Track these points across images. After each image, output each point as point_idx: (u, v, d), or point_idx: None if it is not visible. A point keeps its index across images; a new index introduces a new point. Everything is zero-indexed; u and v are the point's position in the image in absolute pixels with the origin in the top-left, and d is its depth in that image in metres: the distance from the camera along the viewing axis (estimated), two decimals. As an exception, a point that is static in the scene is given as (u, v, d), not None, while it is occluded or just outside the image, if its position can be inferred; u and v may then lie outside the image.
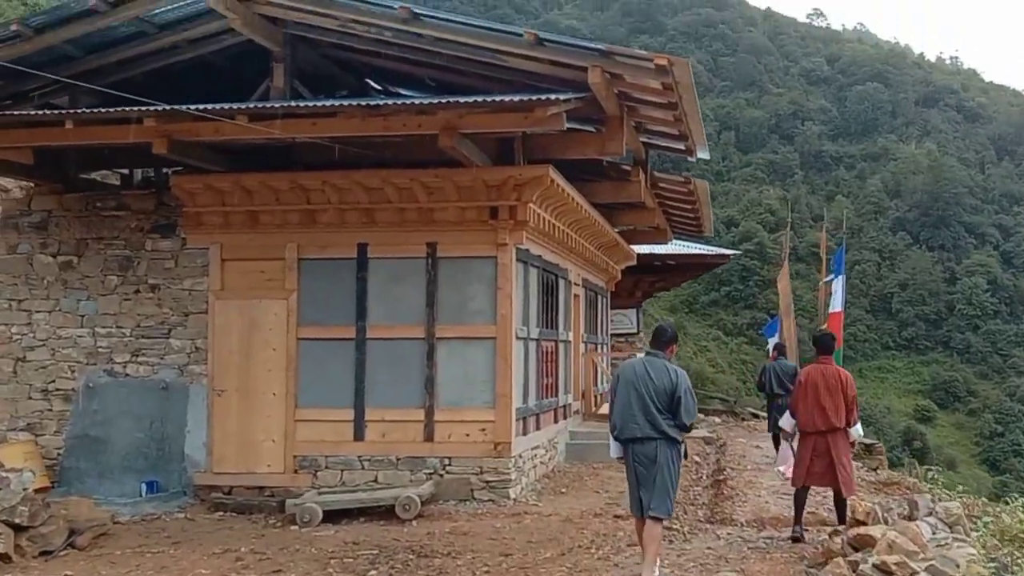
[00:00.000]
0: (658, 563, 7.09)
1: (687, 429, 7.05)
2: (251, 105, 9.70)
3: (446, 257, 10.90)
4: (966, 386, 74.16)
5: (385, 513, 10.03)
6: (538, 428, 12.31)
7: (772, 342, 24.63)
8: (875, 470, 15.40)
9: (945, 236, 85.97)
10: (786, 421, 8.90)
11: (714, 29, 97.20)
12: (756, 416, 29.79)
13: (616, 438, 7.17)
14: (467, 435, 10.76)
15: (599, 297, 17.99)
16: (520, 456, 11.22)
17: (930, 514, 7.87)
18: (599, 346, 17.82)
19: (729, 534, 9.23)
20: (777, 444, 13.57)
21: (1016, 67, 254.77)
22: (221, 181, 10.84)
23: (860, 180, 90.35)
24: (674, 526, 9.39)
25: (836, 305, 21.76)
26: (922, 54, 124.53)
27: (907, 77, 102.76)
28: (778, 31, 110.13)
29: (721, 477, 12.40)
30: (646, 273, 20.96)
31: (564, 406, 14.08)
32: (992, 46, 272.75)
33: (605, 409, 16.53)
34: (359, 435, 10.86)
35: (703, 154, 13.16)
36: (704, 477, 13.16)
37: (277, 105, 9.80)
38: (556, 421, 13.52)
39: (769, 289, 79.00)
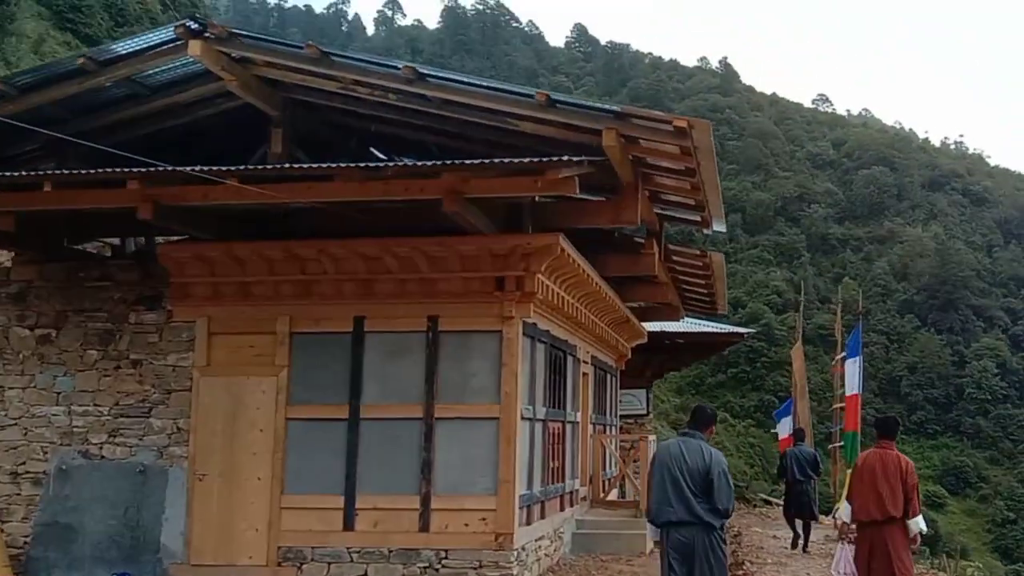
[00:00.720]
0: None
1: (726, 515, 6.74)
2: (242, 167, 9.12)
3: (448, 331, 10.20)
4: (977, 471, 72.90)
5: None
6: (543, 517, 11.44)
7: (782, 424, 23.81)
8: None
9: (953, 319, 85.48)
10: (844, 511, 8.40)
11: (721, 114, 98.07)
12: (768, 503, 28.79)
13: (652, 522, 6.95)
14: (466, 525, 9.90)
15: (608, 376, 17.22)
16: (523, 548, 10.34)
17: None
18: (608, 427, 16.98)
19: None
20: (792, 524, 13.64)
21: (1021, 151, 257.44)
22: (211, 250, 10.20)
23: (867, 263, 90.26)
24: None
25: (853, 387, 20.94)
26: (927, 138, 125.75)
27: (912, 161, 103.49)
28: (784, 116, 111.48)
29: (741, 572, 11.46)
30: (657, 352, 20.20)
31: (571, 492, 13.21)
32: (996, 130, 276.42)
33: (614, 495, 15.63)
34: (349, 524, 10.00)
35: (719, 227, 12.58)
36: (723, 573, 12.22)
37: (270, 167, 9.23)
38: (562, 509, 12.63)
39: (777, 371, 78.21)
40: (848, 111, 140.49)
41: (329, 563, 9.95)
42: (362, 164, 8.98)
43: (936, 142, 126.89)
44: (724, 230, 13.26)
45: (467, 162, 8.69)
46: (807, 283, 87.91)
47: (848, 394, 20.65)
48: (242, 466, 10.16)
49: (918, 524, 8.00)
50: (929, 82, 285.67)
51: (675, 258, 14.08)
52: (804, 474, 13.28)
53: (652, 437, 14.67)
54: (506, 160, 8.66)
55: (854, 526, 8.42)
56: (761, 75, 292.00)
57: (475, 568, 9.84)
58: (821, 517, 16.05)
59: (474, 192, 8.73)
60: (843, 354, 21.00)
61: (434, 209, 8.74)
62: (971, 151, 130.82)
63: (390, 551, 9.91)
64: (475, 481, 9.99)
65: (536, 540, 11.02)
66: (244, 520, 10.05)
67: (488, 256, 9.90)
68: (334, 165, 8.80)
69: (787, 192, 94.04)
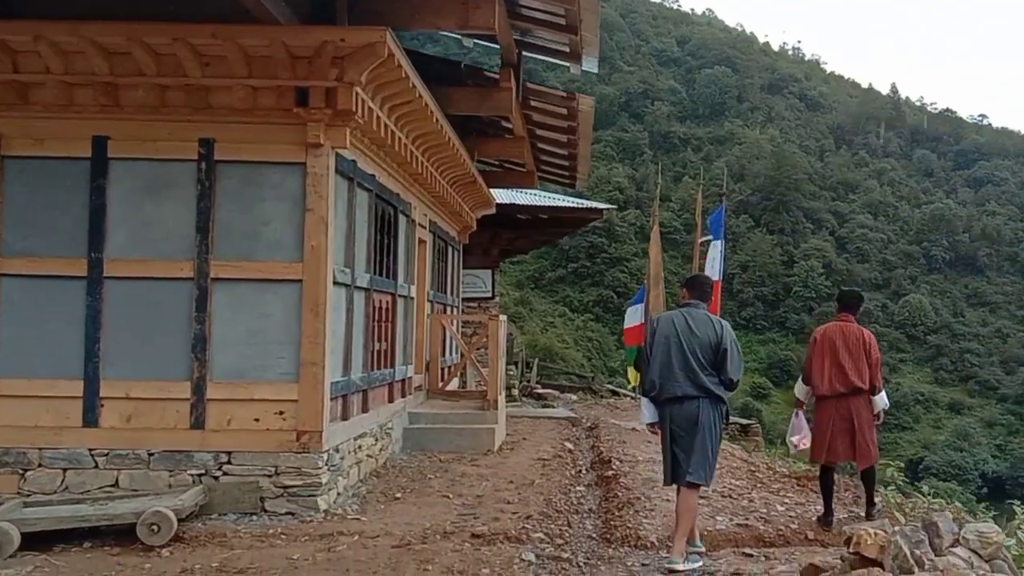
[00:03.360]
0: (698, 537, 6.53)
1: (733, 387, 6.39)
2: None
3: (229, 161, 7.45)
4: (799, 365, 75.56)
5: (123, 535, 6.59)
6: (365, 410, 9.07)
7: (631, 311, 22.21)
8: (751, 452, 13.90)
9: (785, 220, 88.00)
10: (799, 389, 7.84)
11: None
12: (615, 393, 27.57)
13: (654, 399, 6.45)
14: (256, 420, 7.41)
15: (451, 249, 14.81)
16: (337, 450, 7.97)
17: (956, 543, 5.15)
18: (449, 308, 14.63)
19: (645, 565, 6.34)
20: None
21: (854, 59, 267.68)
22: None
23: (707, 162, 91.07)
24: (564, 554, 6.42)
25: (715, 273, 19.51)
26: (767, 42, 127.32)
27: (753, 63, 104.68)
28: (630, 8, 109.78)
29: (611, 473, 9.50)
30: (505, 227, 17.90)
31: (403, 380, 10.86)
32: (833, 37, 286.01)
33: (455, 385, 13.46)
34: (91, 418, 7.31)
35: (591, 65, 10.32)
36: (583, 472, 10.26)
37: None
38: (391, 400, 10.28)
39: (616, 267, 78.65)
40: (692, 9, 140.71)
41: (64, 469, 7.29)
42: None
43: (776, 46, 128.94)
44: (596, 70, 10.92)
45: None
46: (648, 180, 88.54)
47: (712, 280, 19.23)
48: (-69, 342, 7.24)
49: (882, 400, 7.62)
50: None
51: (534, 103, 11.68)
52: None
53: (503, 319, 12.42)
54: None
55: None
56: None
57: (269, 476, 7.41)
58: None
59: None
60: (706, 238, 19.39)
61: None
62: (808, 57, 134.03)
63: (150, 454, 7.33)
64: (269, 364, 7.47)
65: (355, 439, 8.68)
66: (-67, 416, 7.19)
67: (286, 57, 7.13)
68: None
69: (631, 87, 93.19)
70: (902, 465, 9.49)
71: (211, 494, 7.27)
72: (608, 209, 19.67)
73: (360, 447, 8.83)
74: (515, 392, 22.14)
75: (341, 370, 8.22)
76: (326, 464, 7.60)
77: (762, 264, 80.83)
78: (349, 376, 8.38)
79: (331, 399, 7.78)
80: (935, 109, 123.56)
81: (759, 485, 9.14)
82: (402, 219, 10.59)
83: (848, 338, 7.49)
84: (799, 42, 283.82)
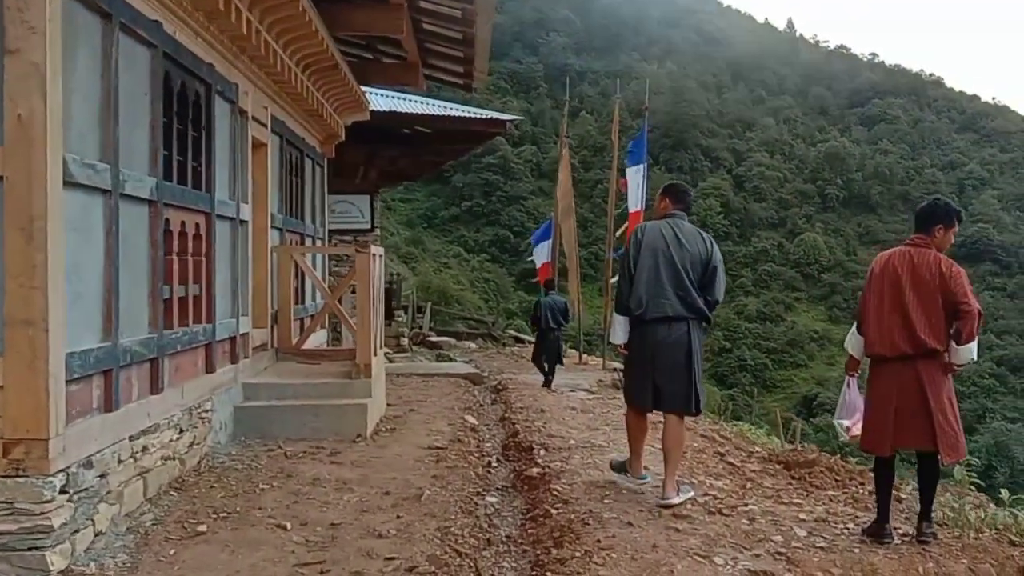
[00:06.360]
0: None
1: (715, 308, 5.73)
2: None
3: None
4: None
5: None
6: (156, 390, 5.80)
7: (539, 249, 19.39)
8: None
9: (683, 158, 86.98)
10: (852, 342, 5.28)
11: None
12: (519, 340, 24.90)
13: (641, 318, 5.66)
14: (-90, 428, 4.16)
15: (311, 163, 11.38)
16: (89, 464, 4.75)
17: None
18: (307, 239, 11.23)
19: None
20: (540, 367, 13.53)
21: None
22: None
23: (603, 97, 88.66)
24: None
25: (635, 203, 16.79)
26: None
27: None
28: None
29: (535, 471, 6.52)
30: (385, 144, 14.56)
31: (230, 339, 7.58)
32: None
33: (315, 342, 10.29)
34: None
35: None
36: (493, 464, 7.28)
37: None
38: (210, 370, 7.00)
39: (513, 206, 75.92)
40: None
41: None
42: None
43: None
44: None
45: None
46: (544, 116, 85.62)
47: (632, 210, 16.63)
48: None
49: (970, 353, 4.89)
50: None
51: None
52: (556, 322, 13.44)
53: (378, 251, 9.23)
54: None
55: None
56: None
57: (-49, 521, 4.19)
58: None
59: None
60: (636, 168, 16.53)
61: None
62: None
63: None
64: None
65: (133, 439, 5.42)
66: None
67: None
68: None
69: (525, 17, 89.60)
70: (974, 462, 6.71)
71: None
72: (512, 121, 16.37)
73: (145, 450, 5.59)
74: (404, 342, 19.07)
75: (95, 332, 4.95)
76: (61, 493, 4.39)
77: (660, 203, 79.43)
78: (114, 341, 5.10)
79: (70, 381, 4.55)
80: (829, 47, 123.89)
81: (748, 484, 6.35)
82: (220, 104, 7.21)
83: (919, 272, 4.92)
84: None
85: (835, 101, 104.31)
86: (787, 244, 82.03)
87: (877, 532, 4.91)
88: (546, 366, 13.37)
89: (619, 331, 5.89)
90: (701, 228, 6.01)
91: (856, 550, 4.68)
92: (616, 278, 6.37)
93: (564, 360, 14.45)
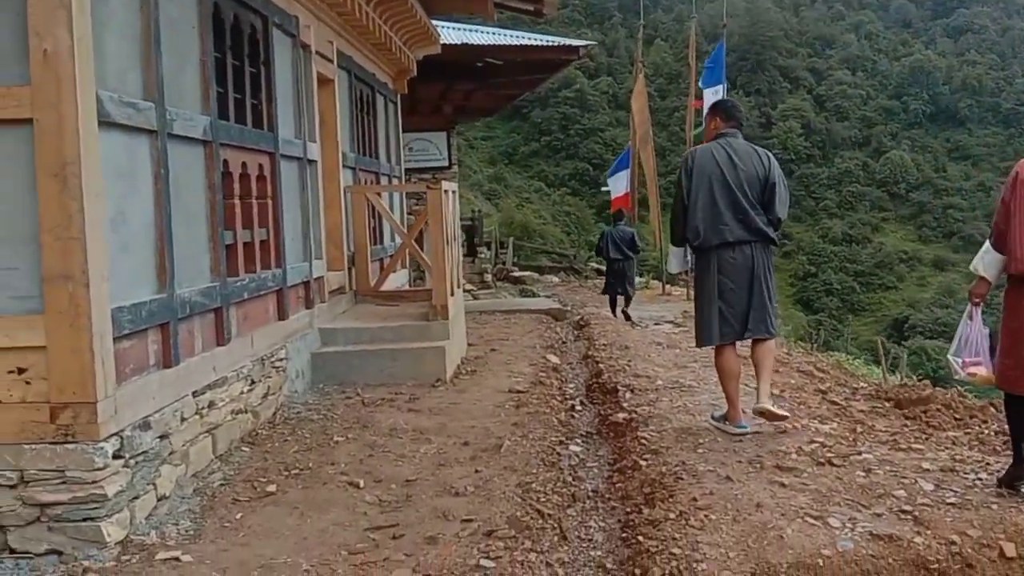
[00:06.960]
0: None
1: (778, 227, 5.54)
2: None
3: None
4: (782, 229, 73.12)
5: None
6: (221, 341, 5.53)
7: (616, 179, 18.76)
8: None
9: (761, 81, 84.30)
10: (984, 261, 4.41)
11: None
12: (601, 272, 24.48)
13: (700, 247, 5.46)
14: (-40, 389, 3.93)
15: (382, 99, 10.95)
16: (146, 426, 4.48)
17: None
18: (383, 178, 10.86)
19: None
20: (614, 307, 13.09)
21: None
22: None
23: (678, 23, 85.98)
24: None
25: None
26: None
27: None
28: None
29: (622, 416, 6.08)
30: (458, 78, 14.02)
31: (305, 284, 7.30)
32: None
33: (394, 282, 9.98)
34: None
35: None
36: (576, 408, 6.88)
37: None
38: (282, 317, 6.73)
39: (591, 138, 74.75)
40: None
41: None
42: None
43: None
44: None
45: None
46: (619, 46, 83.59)
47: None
48: None
49: None
50: None
51: None
52: (621, 252, 13.14)
53: (450, 186, 8.80)
54: None
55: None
56: None
57: (10, 486, 3.97)
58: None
59: None
60: (714, 88, 15.66)
61: None
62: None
63: None
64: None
65: (196, 396, 5.14)
66: None
67: None
68: None
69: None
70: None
71: None
72: (585, 46, 15.53)
73: (212, 405, 5.33)
74: (488, 278, 18.74)
75: (147, 284, 4.65)
76: (115, 458, 4.13)
77: (740, 127, 77.19)
78: (169, 292, 4.80)
79: (119, 338, 4.26)
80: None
81: (858, 427, 5.81)
82: (280, 38, 6.81)
83: None
84: None
85: (918, 13, 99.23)
86: (872, 163, 79.00)
87: (1014, 477, 4.33)
88: (618, 297, 13.25)
89: (675, 261, 6.13)
90: (781, 150, 5.48)
91: (994, 506, 4.13)
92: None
93: (632, 290, 14.09)
